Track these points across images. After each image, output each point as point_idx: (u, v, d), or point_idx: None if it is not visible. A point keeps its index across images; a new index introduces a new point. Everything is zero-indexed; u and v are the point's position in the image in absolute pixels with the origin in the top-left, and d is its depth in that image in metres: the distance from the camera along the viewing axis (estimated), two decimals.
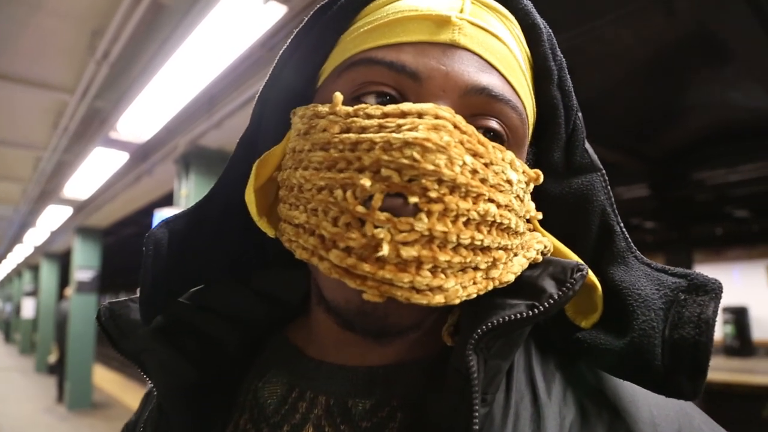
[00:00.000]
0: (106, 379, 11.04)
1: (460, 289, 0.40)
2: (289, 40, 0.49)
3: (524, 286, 0.43)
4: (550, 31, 0.49)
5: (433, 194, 0.37)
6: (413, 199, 0.37)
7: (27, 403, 8.99)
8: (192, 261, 0.52)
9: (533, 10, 0.49)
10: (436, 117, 0.38)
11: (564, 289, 0.41)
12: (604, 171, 0.50)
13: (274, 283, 0.58)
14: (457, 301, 0.40)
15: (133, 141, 4.62)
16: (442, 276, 0.39)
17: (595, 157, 0.50)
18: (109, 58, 3.51)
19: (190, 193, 4.41)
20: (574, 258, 0.47)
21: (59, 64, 4.06)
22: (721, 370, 9.82)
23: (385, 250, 0.36)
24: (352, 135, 0.40)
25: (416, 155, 0.36)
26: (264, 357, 0.55)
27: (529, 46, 0.48)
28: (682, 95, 4.43)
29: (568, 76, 0.50)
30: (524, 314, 0.40)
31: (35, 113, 5.06)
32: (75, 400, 8.64)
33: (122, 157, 5.08)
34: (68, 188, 6.46)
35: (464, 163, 0.38)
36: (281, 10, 2.46)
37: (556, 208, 0.49)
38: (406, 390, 0.46)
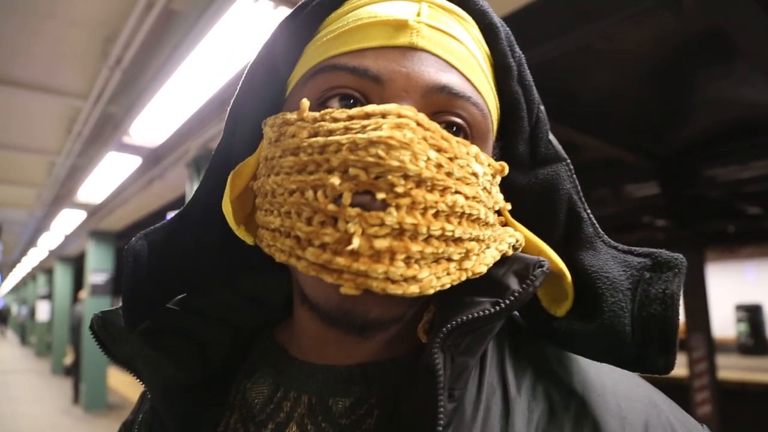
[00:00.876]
0: (120, 381, 11.15)
1: (434, 279, 0.42)
2: (257, 52, 0.51)
3: (491, 283, 0.44)
4: (508, 29, 0.51)
5: (399, 189, 0.39)
6: (380, 195, 0.39)
7: (44, 404, 9.11)
8: (174, 269, 0.53)
9: (490, 10, 0.50)
10: (399, 116, 0.40)
11: (525, 284, 0.43)
12: (569, 161, 0.51)
13: (259, 287, 0.59)
14: (432, 291, 0.42)
15: (146, 145, 4.66)
16: (416, 266, 0.40)
17: (559, 147, 0.52)
18: (122, 64, 3.55)
19: None
20: (545, 249, 0.49)
21: (73, 71, 4.12)
22: (735, 369, 9.72)
23: (355, 242, 0.38)
24: (320, 138, 0.42)
25: (381, 153, 0.38)
26: (252, 358, 0.57)
27: (488, 45, 0.50)
28: (693, 92, 4.40)
29: (528, 71, 0.51)
30: (488, 311, 0.41)
31: (49, 119, 5.13)
32: (90, 402, 8.74)
33: (135, 162, 5.13)
34: (82, 192, 6.53)
35: (428, 158, 0.40)
36: None
37: (525, 198, 0.51)
38: (383, 387, 0.47)
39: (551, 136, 0.52)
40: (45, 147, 5.93)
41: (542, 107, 0.52)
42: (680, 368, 7.73)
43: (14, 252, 16.99)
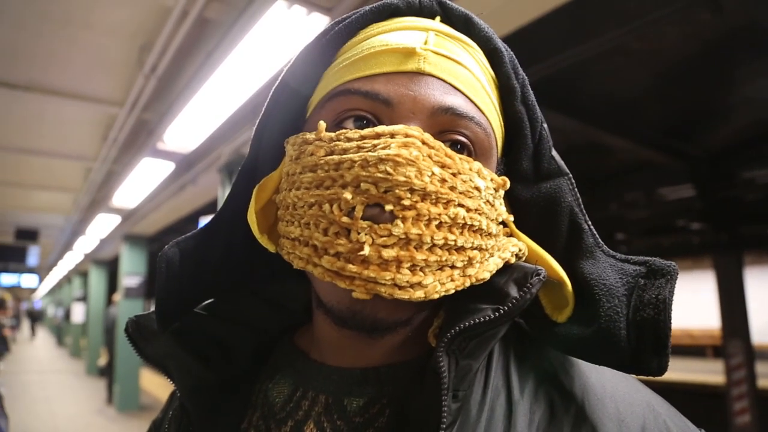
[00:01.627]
0: (152, 383, 11.36)
1: (438, 285, 0.46)
2: (280, 78, 0.55)
3: (493, 291, 0.48)
4: (512, 53, 0.55)
5: (406, 202, 0.43)
6: (389, 207, 0.43)
7: (79, 405, 9.34)
8: (204, 275, 0.57)
9: (494, 36, 0.54)
10: (406, 135, 0.44)
11: (523, 291, 0.46)
12: (570, 175, 0.55)
13: (281, 294, 0.65)
14: (436, 296, 0.46)
15: (179, 151, 4.75)
16: (421, 273, 0.45)
17: (561, 163, 0.55)
18: (157, 71, 3.63)
19: None
20: (547, 258, 0.52)
21: (109, 79, 4.23)
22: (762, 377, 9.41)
23: (366, 250, 0.43)
24: (335, 156, 0.46)
25: (389, 169, 0.43)
26: (274, 360, 0.61)
27: (493, 68, 0.54)
28: (729, 92, 4.29)
29: (531, 91, 0.55)
30: (489, 316, 0.45)
31: (86, 126, 5.27)
32: (123, 402, 8.93)
33: (168, 167, 5.23)
34: (117, 197, 6.68)
35: (433, 174, 0.44)
36: (324, 21, 2.51)
37: (528, 211, 0.54)
38: (394, 388, 0.51)
39: (554, 152, 0.55)
40: (81, 153, 6.10)
41: (545, 125, 0.55)
42: (717, 375, 7.52)
43: (51, 255, 17.48)
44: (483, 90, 0.51)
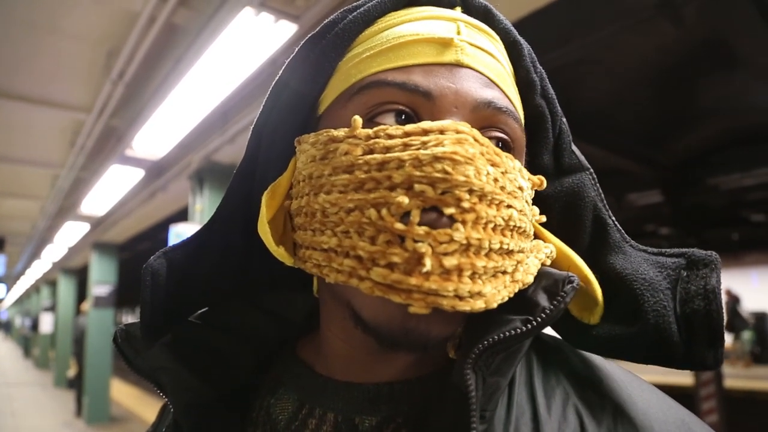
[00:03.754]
0: (123, 393, 11.11)
1: (497, 293, 0.41)
2: (281, 72, 0.51)
3: (521, 301, 0.44)
4: (530, 46, 0.53)
5: (466, 204, 0.39)
6: (449, 210, 0.38)
7: (46, 418, 9.08)
8: (195, 286, 0.54)
9: (512, 28, 0.52)
10: (458, 132, 0.40)
11: (556, 301, 0.43)
12: (591, 170, 0.53)
13: (281, 304, 0.60)
14: (495, 305, 0.41)
15: (148, 158, 4.68)
16: (480, 282, 0.40)
17: (582, 157, 0.53)
18: (125, 77, 3.58)
19: (204, 208, 4.46)
20: (574, 258, 0.49)
21: (76, 85, 4.15)
22: (742, 377, 9.64)
23: (428, 264, 0.38)
24: (377, 155, 0.41)
25: (447, 168, 0.38)
26: (275, 374, 0.56)
27: (512, 61, 0.52)
28: (694, 101, 4.41)
29: (550, 85, 0.53)
30: (520, 329, 0.41)
31: (53, 132, 5.16)
32: (93, 415, 8.70)
33: (138, 174, 5.15)
34: (85, 205, 6.55)
35: (488, 173, 0.41)
36: (292, 29, 2.50)
37: (551, 207, 0.52)
38: (410, 406, 0.47)
39: (574, 147, 0.54)
40: (48, 160, 5.97)
41: (564, 119, 0.53)
42: (686, 377, 7.68)
43: (18, 264, 17.03)
44: (511, 83, 0.49)
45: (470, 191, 0.39)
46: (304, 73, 0.50)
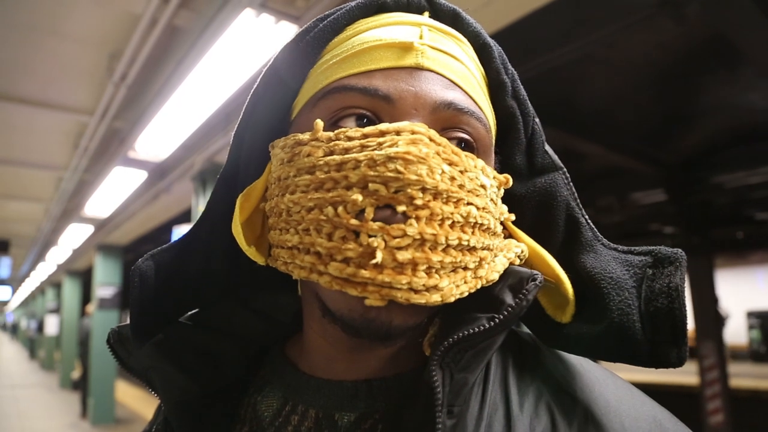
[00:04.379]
0: (128, 395, 11.15)
1: (454, 287, 0.43)
2: (259, 80, 0.52)
3: (488, 299, 0.46)
4: (500, 48, 0.54)
5: (418, 201, 0.41)
6: (401, 208, 0.40)
7: (52, 419, 9.11)
8: (184, 288, 0.55)
9: (483, 31, 0.53)
10: (413, 132, 0.42)
11: (518, 298, 0.44)
12: (565, 169, 0.53)
13: (269, 304, 0.62)
14: (452, 299, 0.43)
15: (151, 160, 4.69)
16: (437, 276, 0.42)
17: (555, 157, 0.54)
18: (127, 80, 3.59)
19: None
20: (546, 257, 0.50)
21: (78, 87, 4.16)
22: (747, 377, 9.59)
23: (379, 256, 0.40)
24: (336, 156, 0.43)
25: (399, 168, 0.40)
26: (263, 373, 0.58)
27: (482, 63, 0.53)
28: (697, 99, 4.39)
29: (521, 86, 0.54)
30: (484, 326, 0.42)
31: (56, 135, 5.18)
32: (98, 416, 8.73)
33: (141, 176, 5.16)
34: (89, 207, 6.57)
35: (443, 172, 0.42)
36: (292, 30, 2.50)
37: (524, 207, 0.53)
38: (387, 402, 0.48)
39: (547, 147, 0.54)
40: (52, 162, 5.99)
41: (537, 120, 0.54)
42: (691, 376, 7.66)
43: (23, 266, 17.10)
44: (477, 85, 0.50)
45: (423, 189, 0.41)
46: (277, 81, 0.52)
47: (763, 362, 12.40)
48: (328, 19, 0.51)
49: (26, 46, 3.52)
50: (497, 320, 0.43)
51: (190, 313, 0.58)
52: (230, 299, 0.60)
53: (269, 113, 0.52)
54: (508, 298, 0.44)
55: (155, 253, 0.54)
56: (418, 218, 0.40)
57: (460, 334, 0.42)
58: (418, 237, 0.40)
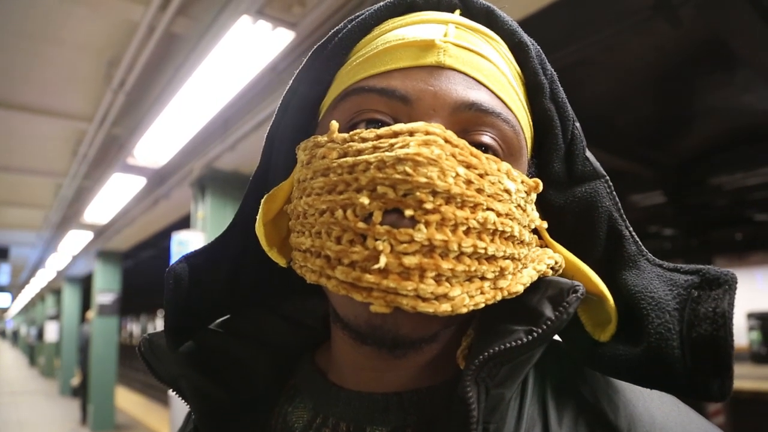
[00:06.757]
0: (128, 401, 11.11)
1: (467, 297, 0.40)
2: (291, 82, 0.52)
3: (525, 310, 0.43)
4: (539, 47, 0.51)
5: (428, 206, 0.38)
6: (409, 212, 0.38)
7: (52, 426, 9.08)
8: (214, 292, 0.54)
9: (519, 29, 0.50)
10: (427, 133, 0.40)
11: (559, 311, 0.41)
12: (607, 177, 0.50)
13: (299, 310, 0.60)
14: (465, 310, 0.40)
15: (150, 166, 4.69)
16: (447, 284, 0.39)
17: (597, 164, 0.51)
18: (125, 86, 3.60)
19: (206, 215, 4.46)
20: (586, 270, 0.47)
21: (77, 94, 4.17)
22: (748, 378, 9.58)
23: (382, 261, 0.38)
24: (349, 158, 0.42)
25: (408, 170, 0.38)
26: (294, 382, 0.57)
27: (518, 64, 0.50)
28: (695, 101, 4.40)
29: (561, 88, 0.51)
30: (521, 340, 0.40)
31: (55, 142, 5.18)
32: (98, 422, 8.70)
33: (140, 182, 5.16)
34: (88, 213, 6.57)
35: (457, 174, 0.40)
36: (289, 36, 2.51)
37: (563, 217, 0.50)
38: (419, 416, 0.46)
39: (588, 153, 0.51)
40: (51, 169, 5.99)
41: (578, 124, 0.51)
42: None
43: (23, 273, 17.08)
44: (509, 85, 0.47)
45: (434, 193, 0.39)
46: (308, 81, 0.51)
47: (763, 364, 12.37)
48: (357, 20, 0.50)
49: (25, 53, 3.52)
50: (536, 334, 0.40)
51: (220, 320, 0.57)
52: (260, 305, 0.59)
53: (299, 115, 0.52)
54: (548, 311, 0.41)
55: (189, 256, 0.53)
56: (427, 223, 0.38)
57: (497, 348, 0.40)
58: (426, 243, 0.38)
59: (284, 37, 2.51)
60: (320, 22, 2.47)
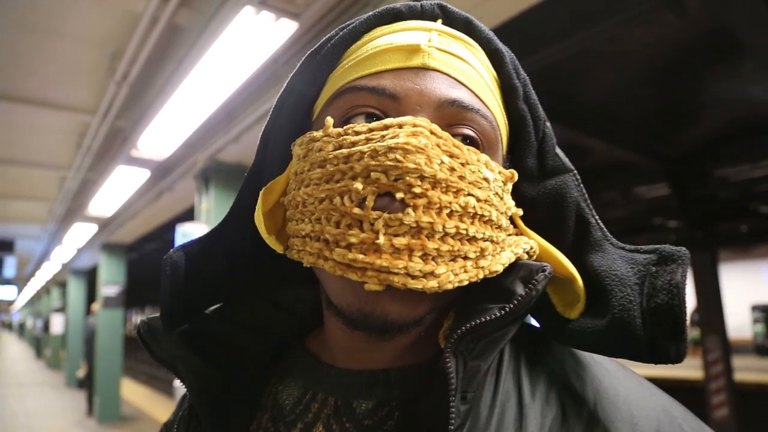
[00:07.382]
0: (134, 393, 11.19)
1: (452, 275, 0.46)
2: (285, 84, 0.56)
3: (500, 291, 0.48)
4: (512, 54, 0.56)
5: (417, 189, 0.43)
6: (399, 195, 0.43)
7: (59, 418, 9.17)
8: (210, 280, 0.58)
9: (495, 38, 0.56)
10: (414, 125, 0.45)
11: (528, 288, 0.46)
12: (575, 171, 0.55)
13: (291, 298, 0.65)
14: (450, 287, 0.45)
15: (154, 158, 4.71)
16: (433, 263, 0.45)
17: (566, 160, 0.56)
18: (129, 79, 3.60)
19: (210, 207, 4.48)
20: (557, 255, 0.52)
21: (81, 87, 4.18)
22: (752, 370, 9.57)
23: (381, 239, 0.43)
24: (344, 150, 0.47)
25: (399, 157, 0.43)
26: (285, 364, 0.62)
27: (494, 68, 0.55)
28: (700, 92, 4.37)
29: (533, 91, 0.56)
30: (495, 315, 0.44)
31: (59, 135, 5.19)
32: (104, 414, 8.79)
33: (144, 175, 5.18)
34: (93, 206, 6.60)
35: (442, 162, 0.45)
36: (292, 27, 2.51)
37: (536, 208, 0.55)
38: (403, 391, 0.51)
39: (558, 150, 0.56)
40: (56, 162, 6.01)
41: (548, 123, 0.56)
42: (696, 371, 7.65)
43: (28, 266, 17.18)
44: (487, 86, 0.52)
45: (422, 177, 0.44)
46: (302, 83, 0.55)
47: (767, 356, 12.36)
48: (348, 28, 0.55)
49: (28, 46, 3.53)
50: (507, 309, 0.45)
51: (214, 307, 0.61)
52: (254, 293, 0.63)
53: (293, 115, 0.56)
54: (519, 289, 0.46)
55: (186, 244, 0.57)
56: (415, 207, 0.43)
57: (473, 323, 0.44)
58: (414, 225, 0.43)
59: (287, 28, 2.50)
60: (324, 12, 2.46)
